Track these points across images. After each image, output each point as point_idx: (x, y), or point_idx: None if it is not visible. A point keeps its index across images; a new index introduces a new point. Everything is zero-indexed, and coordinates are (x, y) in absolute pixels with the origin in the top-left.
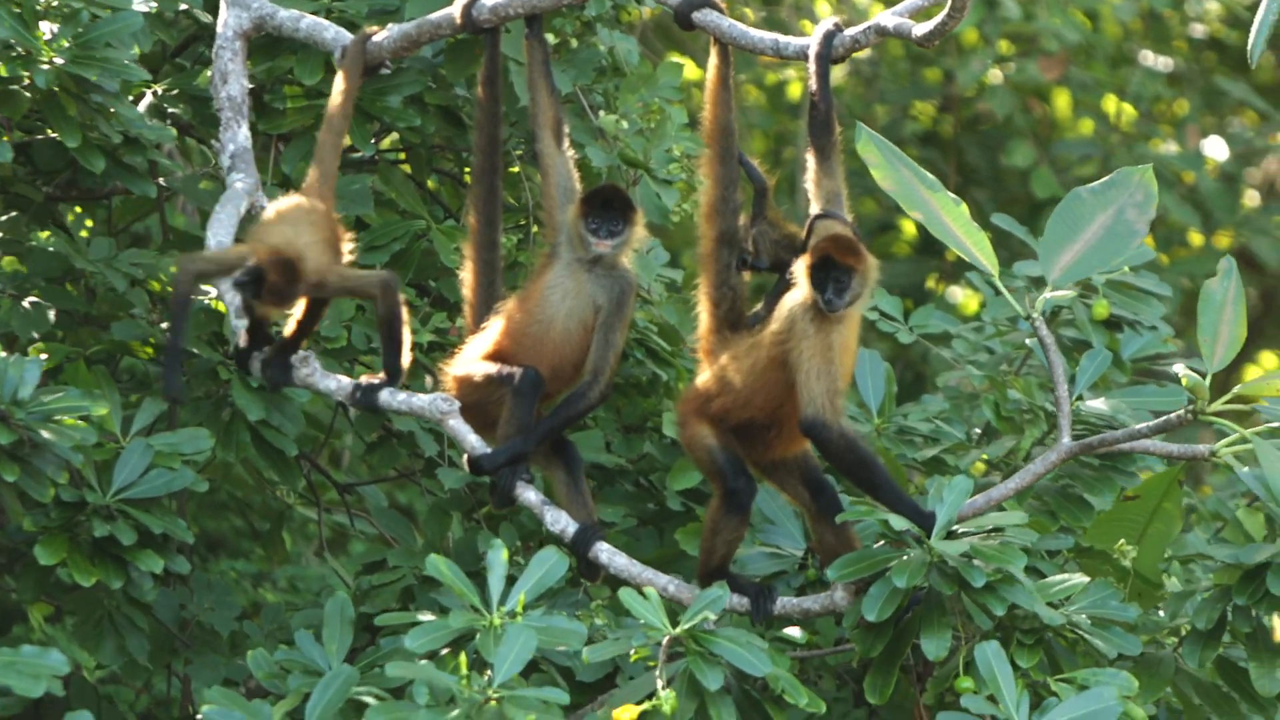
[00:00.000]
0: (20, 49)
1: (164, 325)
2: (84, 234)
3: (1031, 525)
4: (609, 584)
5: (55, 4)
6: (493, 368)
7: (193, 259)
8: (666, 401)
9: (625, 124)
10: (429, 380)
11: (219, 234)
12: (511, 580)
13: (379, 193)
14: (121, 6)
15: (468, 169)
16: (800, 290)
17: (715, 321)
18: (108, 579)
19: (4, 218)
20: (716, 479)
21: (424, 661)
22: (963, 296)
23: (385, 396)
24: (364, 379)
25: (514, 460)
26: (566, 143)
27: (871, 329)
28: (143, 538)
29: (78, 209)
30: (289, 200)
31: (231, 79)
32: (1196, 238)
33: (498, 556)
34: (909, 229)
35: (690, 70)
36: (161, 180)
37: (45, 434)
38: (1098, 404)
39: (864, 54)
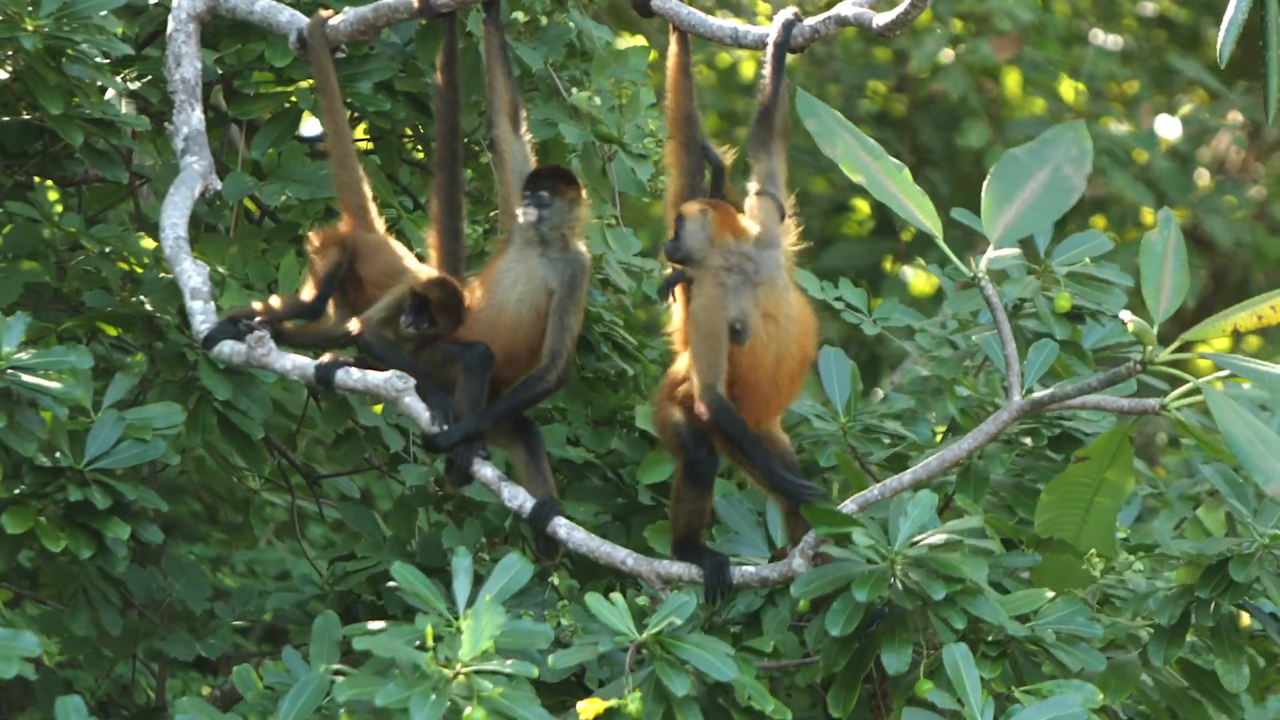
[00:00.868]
0: (4, 12)
1: (136, 299)
2: (57, 208)
3: (988, 521)
4: (579, 577)
5: None
6: (447, 346)
7: (368, 319)
8: (636, 396)
9: (598, 100)
10: None
11: (173, 216)
12: (478, 578)
13: None
14: None
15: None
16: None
17: (686, 310)
18: (76, 548)
19: None
20: (679, 451)
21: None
22: (913, 276)
23: (341, 375)
24: (325, 358)
25: (469, 438)
26: (525, 128)
27: (835, 317)
28: (114, 507)
29: (49, 184)
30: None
31: (185, 61)
32: (1149, 216)
33: (463, 563)
34: (864, 209)
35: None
36: (134, 166)
37: (30, 383)
38: (1046, 395)
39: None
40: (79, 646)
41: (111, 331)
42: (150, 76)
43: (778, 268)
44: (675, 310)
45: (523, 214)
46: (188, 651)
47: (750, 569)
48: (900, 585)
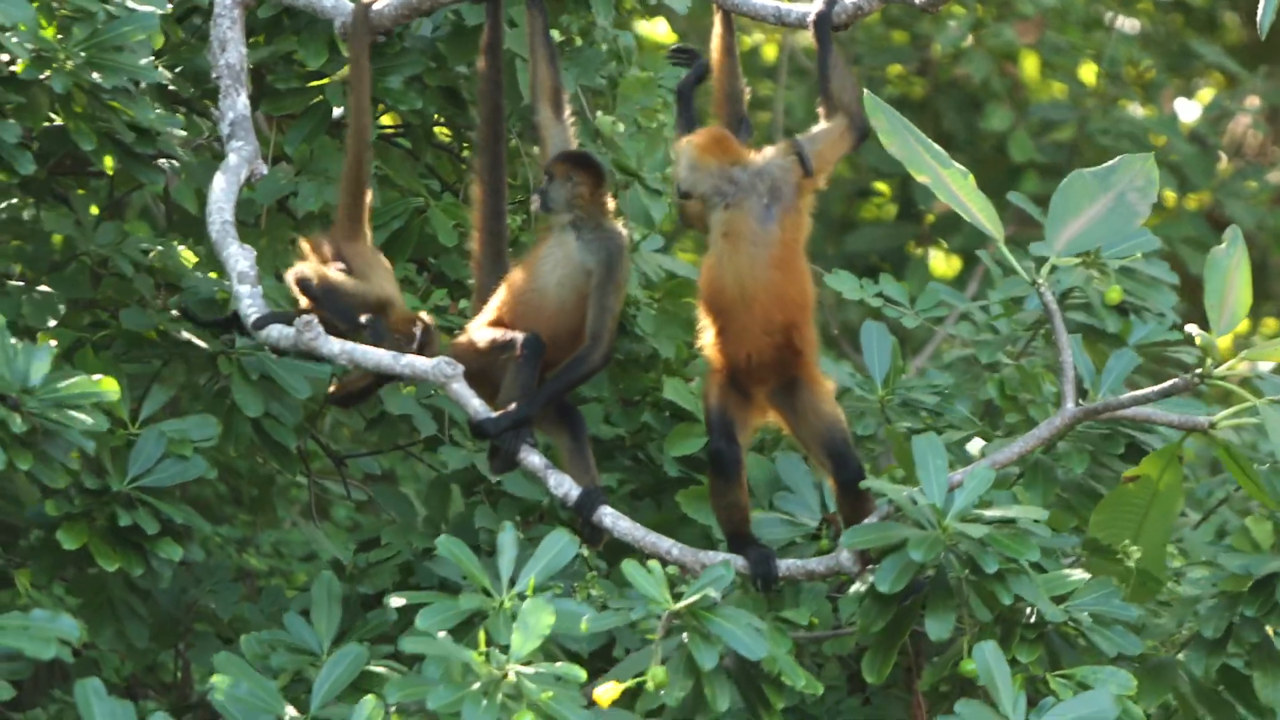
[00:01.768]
0: (35, 49)
1: (172, 312)
2: (94, 209)
3: (1050, 521)
4: (608, 555)
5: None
6: (495, 333)
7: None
8: (666, 376)
9: (621, 127)
10: None
11: (219, 200)
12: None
13: (377, 170)
14: (136, 6)
15: (465, 144)
16: None
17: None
18: (129, 566)
19: (10, 201)
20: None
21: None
22: (933, 259)
23: (388, 360)
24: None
25: (518, 424)
26: (567, 111)
27: (875, 314)
28: (163, 527)
29: (80, 191)
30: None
31: (230, 46)
32: (1170, 197)
33: (509, 538)
34: (886, 193)
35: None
36: (164, 162)
37: (56, 418)
38: (1100, 403)
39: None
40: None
41: (151, 335)
42: (181, 68)
43: (758, 195)
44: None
45: (533, 200)
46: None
47: (797, 562)
48: (952, 556)
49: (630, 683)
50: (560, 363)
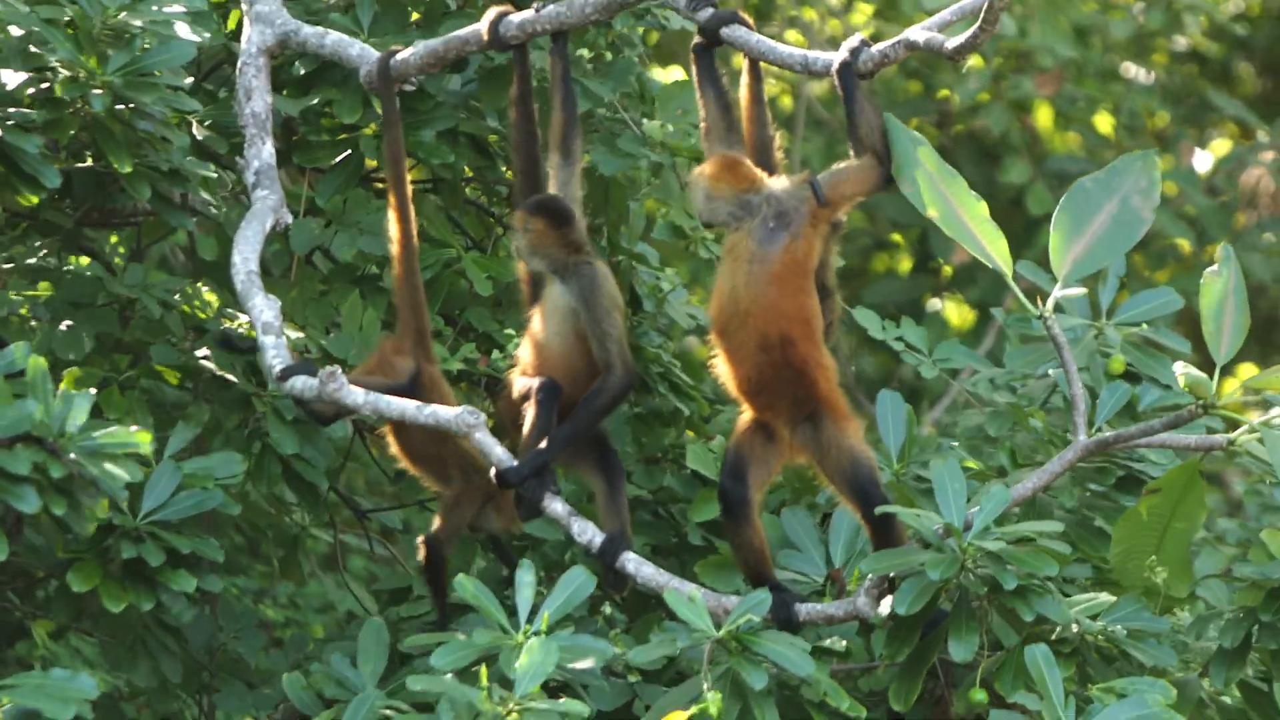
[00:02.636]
0: (74, 72)
1: (200, 352)
2: (118, 260)
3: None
4: (629, 611)
5: (110, 29)
6: (522, 382)
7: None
8: (689, 434)
9: (670, 128)
10: None
11: (244, 251)
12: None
13: None
14: (172, 36)
15: (493, 199)
16: None
17: None
18: (138, 601)
19: (38, 244)
20: None
21: (448, 677)
22: (948, 311)
23: (412, 410)
24: None
25: (539, 471)
26: (577, 155)
27: (876, 350)
28: (172, 558)
29: (113, 238)
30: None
31: (255, 95)
32: (1186, 247)
33: (526, 576)
34: (906, 243)
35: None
36: (194, 208)
37: (93, 470)
38: (1111, 435)
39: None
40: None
41: (173, 380)
42: (210, 121)
43: (764, 219)
44: None
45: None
46: (242, 705)
47: (816, 606)
48: (972, 575)
49: (694, 710)
50: None
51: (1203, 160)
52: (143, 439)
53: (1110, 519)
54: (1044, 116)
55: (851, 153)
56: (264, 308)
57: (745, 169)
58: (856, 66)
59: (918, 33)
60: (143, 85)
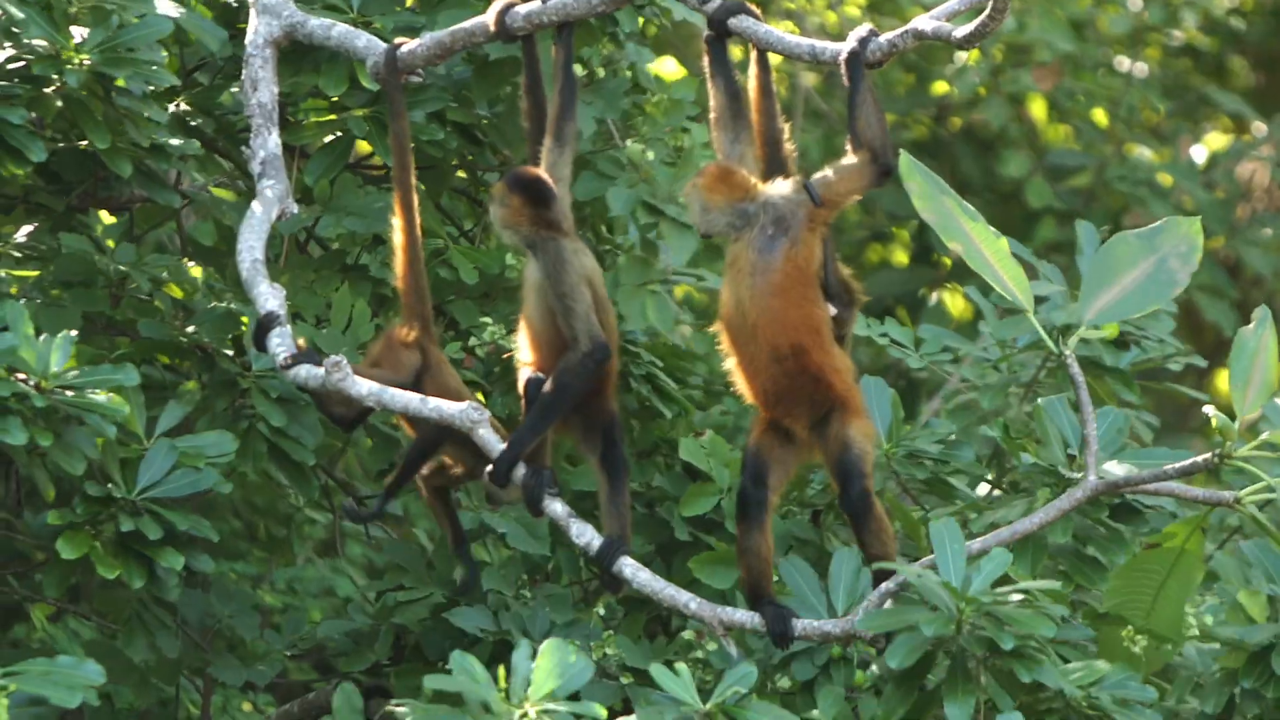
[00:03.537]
0: (49, 48)
1: (189, 329)
2: (110, 243)
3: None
4: (626, 607)
5: (85, 6)
6: (522, 375)
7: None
8: (678, 429)
9: (651, 154)
10: None
11: (249, 239)
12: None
13: None
14: (149, 10)
15: (482, 187)
16: None
17: None
18: (129, 576)
19: (29, 227)
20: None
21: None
22: (948, 301)
23: (416, 403)
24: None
25: (517, 459)
26: (570, 144)
27: (868, 344)
28: (167, 536)
29: (103, 217)
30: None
31: (262, 86)
32: None
33: (522, 655)
34: (904, 237)
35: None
36: (183, 188)
37: (76, 400)
38: (1114, 467)
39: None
40: (125, 675)
41: (164, 359)
42: (194, 108)
43: (762, 227)
44: None
45: None
46: (236, 677)
47: (813, 622)
48: (968, 634)
49: None
50: None
51: (1197, 154)
52: (127, 374)
53: (1105, 548)
54: (1038, 108)
55: (848, 146)
56: (269, 296)
57: (739, 177)
58: (865, 56)
59: (926, 22)
60: (120, 61)
